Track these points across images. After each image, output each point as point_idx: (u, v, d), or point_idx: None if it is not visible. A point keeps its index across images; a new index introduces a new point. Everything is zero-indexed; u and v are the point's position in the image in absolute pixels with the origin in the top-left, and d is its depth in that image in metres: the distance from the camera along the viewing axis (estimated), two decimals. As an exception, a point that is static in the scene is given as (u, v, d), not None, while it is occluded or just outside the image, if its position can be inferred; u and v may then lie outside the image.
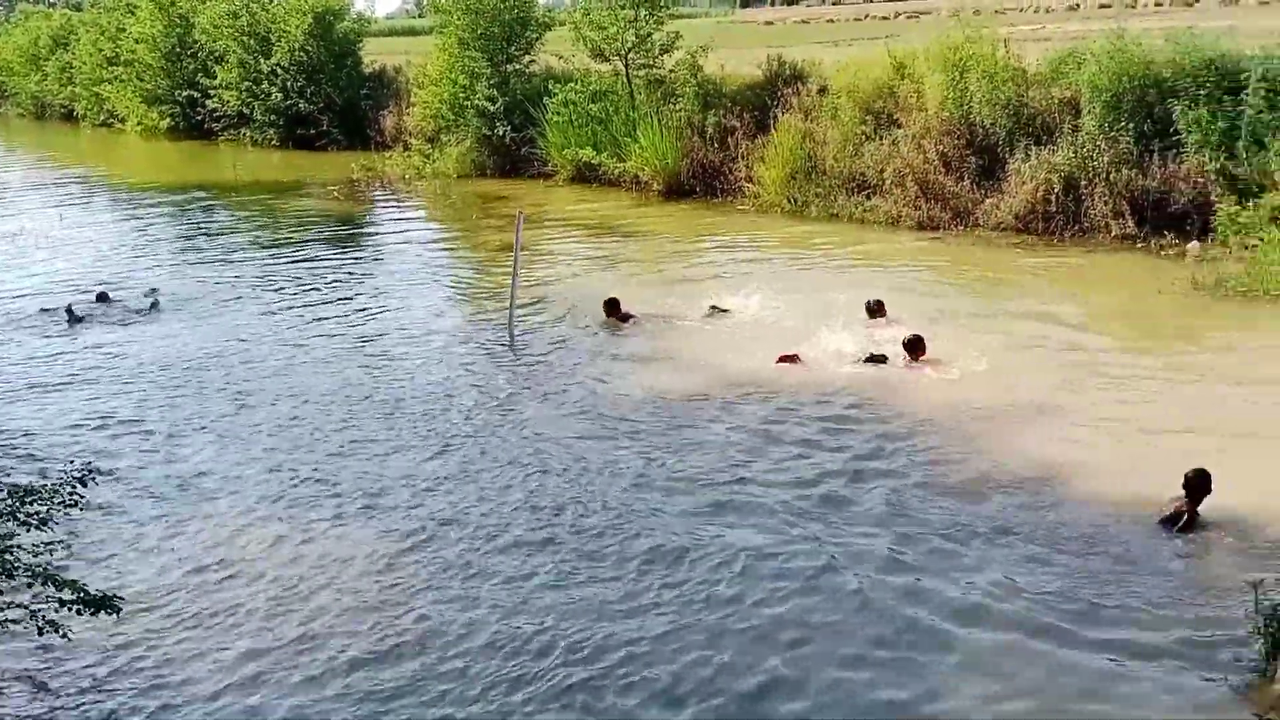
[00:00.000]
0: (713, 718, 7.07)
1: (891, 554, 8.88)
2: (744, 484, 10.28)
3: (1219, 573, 8.41)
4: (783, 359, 13.25)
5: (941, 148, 20.65)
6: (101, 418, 12.57)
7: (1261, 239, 16.12)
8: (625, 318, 15.31)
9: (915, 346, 12.99)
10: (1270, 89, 17.68)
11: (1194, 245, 17.60)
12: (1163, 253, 17.73)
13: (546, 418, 12.17)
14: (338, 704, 7.32)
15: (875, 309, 14.55)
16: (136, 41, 41.02)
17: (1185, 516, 9.04)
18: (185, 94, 39.36)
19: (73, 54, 49.92)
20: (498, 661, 7.67)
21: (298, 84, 34.81)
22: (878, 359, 13.02)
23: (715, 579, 8.63)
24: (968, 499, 9.78)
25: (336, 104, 34.85)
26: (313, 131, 34.90)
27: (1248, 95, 17.72)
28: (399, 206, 27.11)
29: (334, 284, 18.55)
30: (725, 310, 15.43)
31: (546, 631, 7.98)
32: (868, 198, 21.50)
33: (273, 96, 35.08)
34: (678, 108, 25.18)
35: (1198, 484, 9.11)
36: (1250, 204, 17.04)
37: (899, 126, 21.64)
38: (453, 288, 18.68)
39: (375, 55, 36.75)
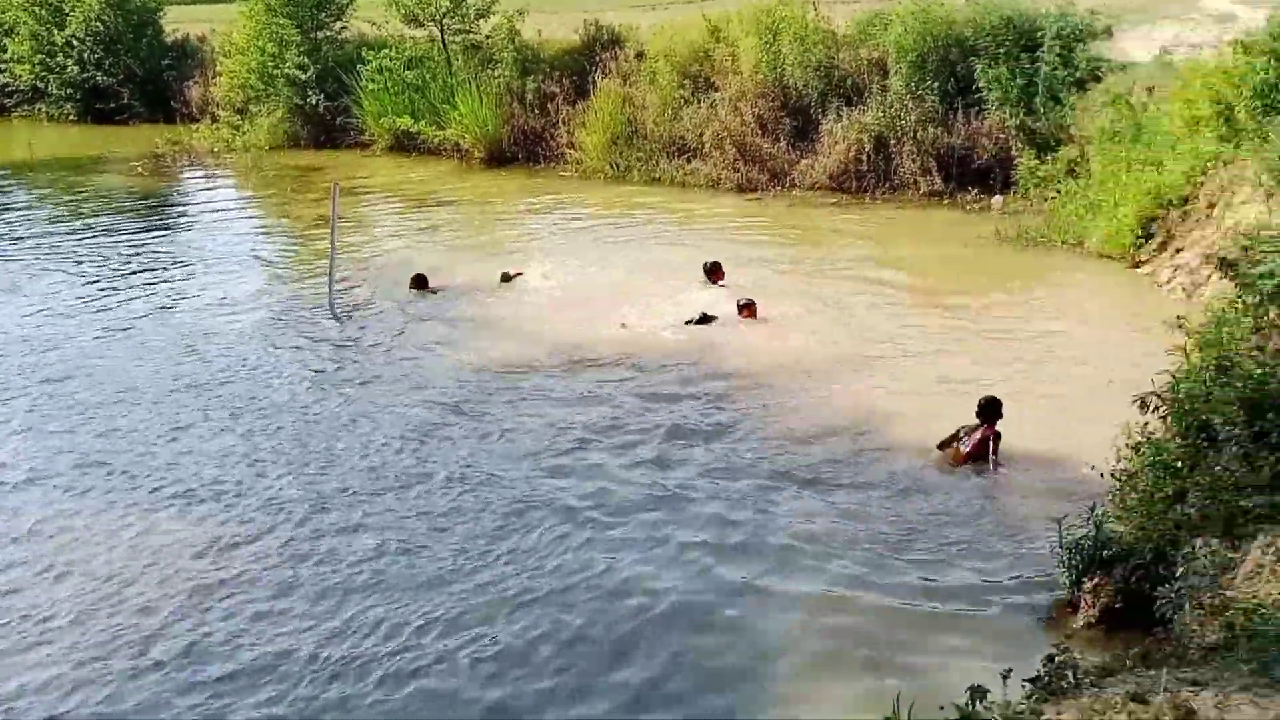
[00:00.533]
0: (569, 683, 7.10)
1: (718, 514, 9.06)
2: (577, 449, 10.30)
3: (1023, 512, 8.82)
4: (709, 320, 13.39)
5: (757, 110, 20.98)
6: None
7: (1059, 191, 16.92)
8: (428, 288, 15.25)
9: (745, 307, 13.28)
10: (1064, 46, 18.52)
11: (997, 199, 18.37)
12: (969, 207, 18.46)
13: (372, 392, 11.93)
14: (158, 699, 7.08)
15: (712, 270, 14.69)
16: (-83, 12, 38.43)
17: (990, 440, 9.63)
18: (-29, 69, 37.04)
19: None
20: (341, 647, 7.50)
21: (95, 55, 32.96)
22: (707, 319, 13.23)
23: (560, 548, 8.66)
24: (789, 451, 10.06)
25: (137, 75, 33.21)
26: (113, 105, 33.14)
27: (1043, 53, 18.51)
28: (209, 180, 26.07)
29: (144, 263, 17.73)
30: (516, 276, 15.50)
31: (395, 611, 7.86)
32: (688, 161, 21.71)
33: (69, 69, 33.19)
34: (496, 74, 24.85)
35: (989, 408, 9.77)
36: (1048, 157, 17.84)
37: (716, 90, 21.88)
38: (270, 263, 18.07)
39: (177, 24, 35.09)
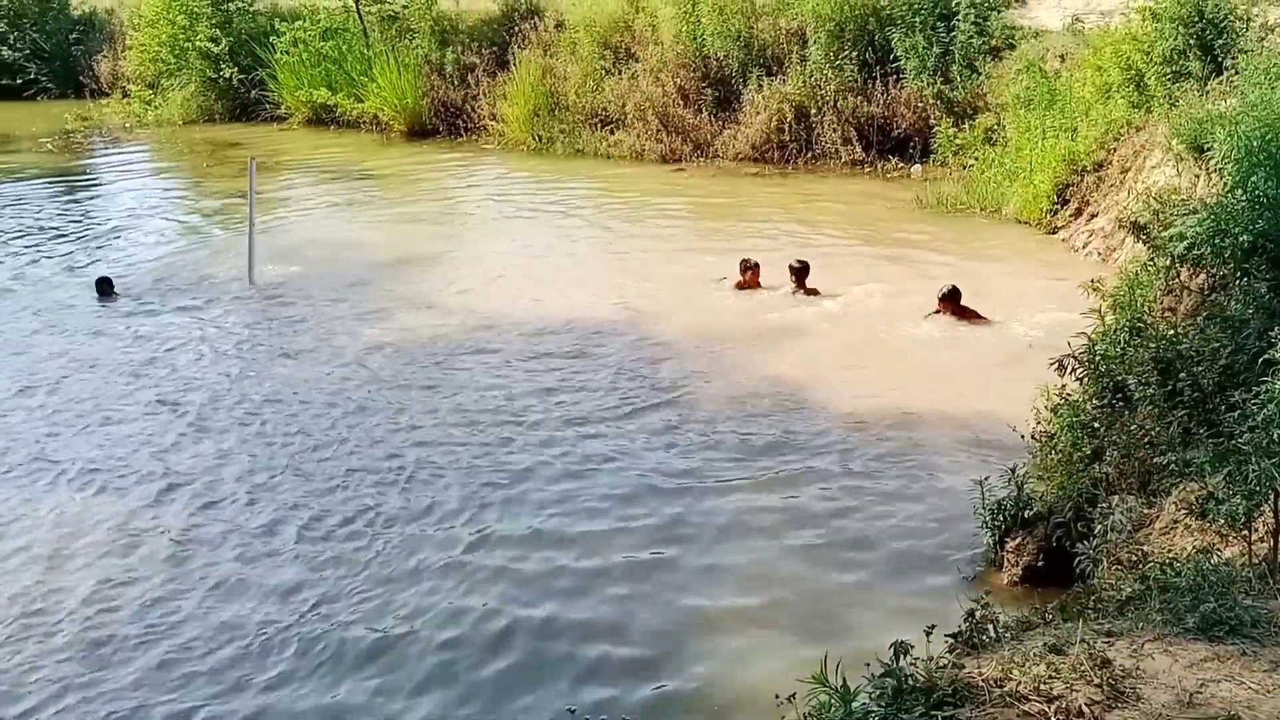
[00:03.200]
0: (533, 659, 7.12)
1: (649, 484, 9.12)
2: (515, 420, 10.30)
3: (946, 474, 8.96)
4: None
5: (679, 80, 20.95)
6: None
7: (976, 158, 17.15)
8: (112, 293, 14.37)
9: (751, 270, 13.28)
10: (979, 14, 18.72)
11: (917, 168, 18.59)
12: (889, 176, 18.65)
13: (298, 370, 11.76)
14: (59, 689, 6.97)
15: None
16: None
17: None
18: None
19: None
20: (280, 634, 7.43)
21: (-1, 30, 32.15)
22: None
23: (516, 512, 8.68)
24: (725, 420, 10.11)
25: (44, 50, 32.33)
26: (19, 81, 32.21)
27: (959, 21, 18.70)
28: (122, 157, 25.38)
29: (55, 242, 17.29)
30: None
31: (338, 593, 7.78)
32: (611, 132, 21.63)
33: (-31, 45, 32.31)
34: (414, 45, 24.54)
35: (952, 294, 11.80)
36: (965, 125, 18.07)
37: (637, 61, 21.80)
38: (185, 239, 17.71)
39: (84, -2, 34.31)
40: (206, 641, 7.23)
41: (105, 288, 14.25)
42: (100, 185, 22.63)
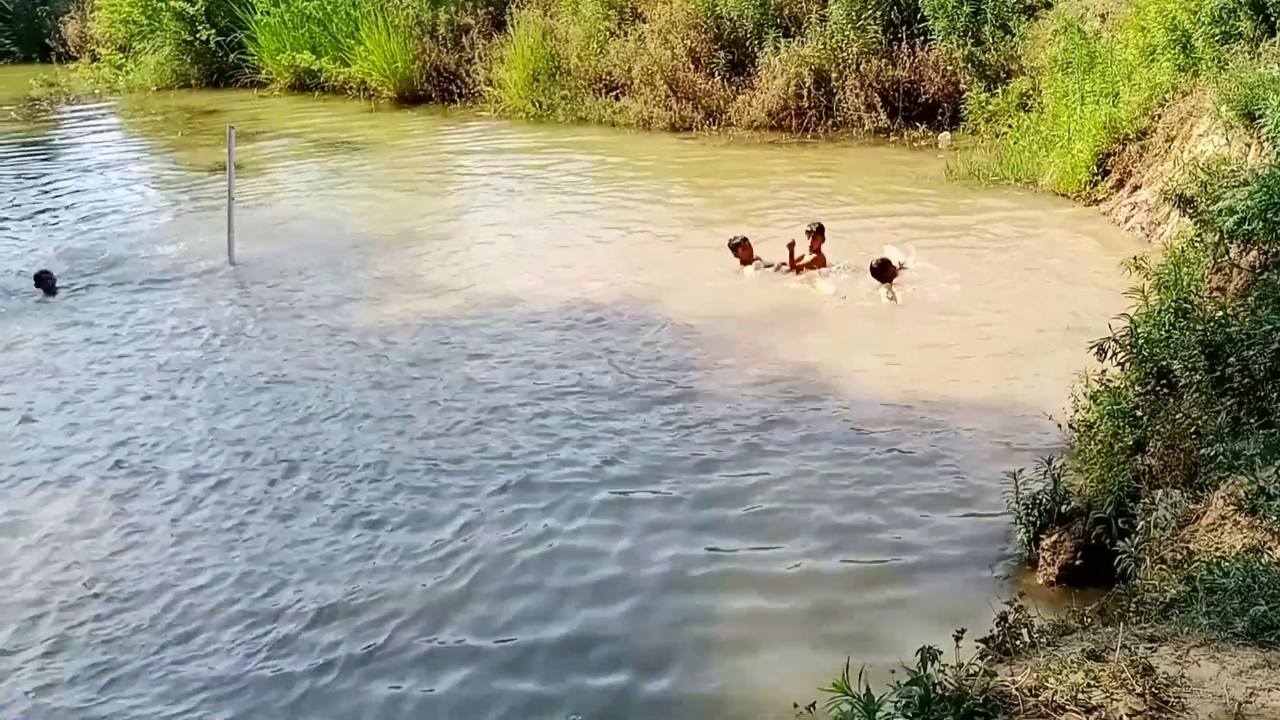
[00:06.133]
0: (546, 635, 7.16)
1: (658, 466, 9.15)
2: (509, 403, 10.37)
3: (978, 467, 8.94)
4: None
5: (689, 43, 20.88)
6: None
7: (1010, 126, 17.08)
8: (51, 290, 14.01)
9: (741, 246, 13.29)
10: (1014, -30, 18.63)
11: (945, 136, 18.54)
12: (916, 145, 18.58)
13: (282, 350, 11.83)
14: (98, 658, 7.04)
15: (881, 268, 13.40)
16: None
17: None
18: None
19: None
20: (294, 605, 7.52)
21: (-42, -7, 32.27)
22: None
23: (514, 501, 8.70)
24: (745, 404, 10.14)
25: (6, 11, 32.40)
26: (-17, 45, 32.45)
27: (992, -23, 18.62)
28: (92, 125, 25.47)
29: (25, 218, 17.35)
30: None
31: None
32: (616, 99, 21.59)
33: (-70, 9, 32.43)
34: (404, 4, 24.51)
35: (879, 267, 12.34)
36: (998, 90, 18.00)
37: (644, 21, 21.73)
38: (160, 214, 17.76)
39: (49, -42, 34.31)
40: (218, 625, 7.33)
41: (47, 283, 13.72)
42: (68, 155, 22.62)
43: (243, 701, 6.81)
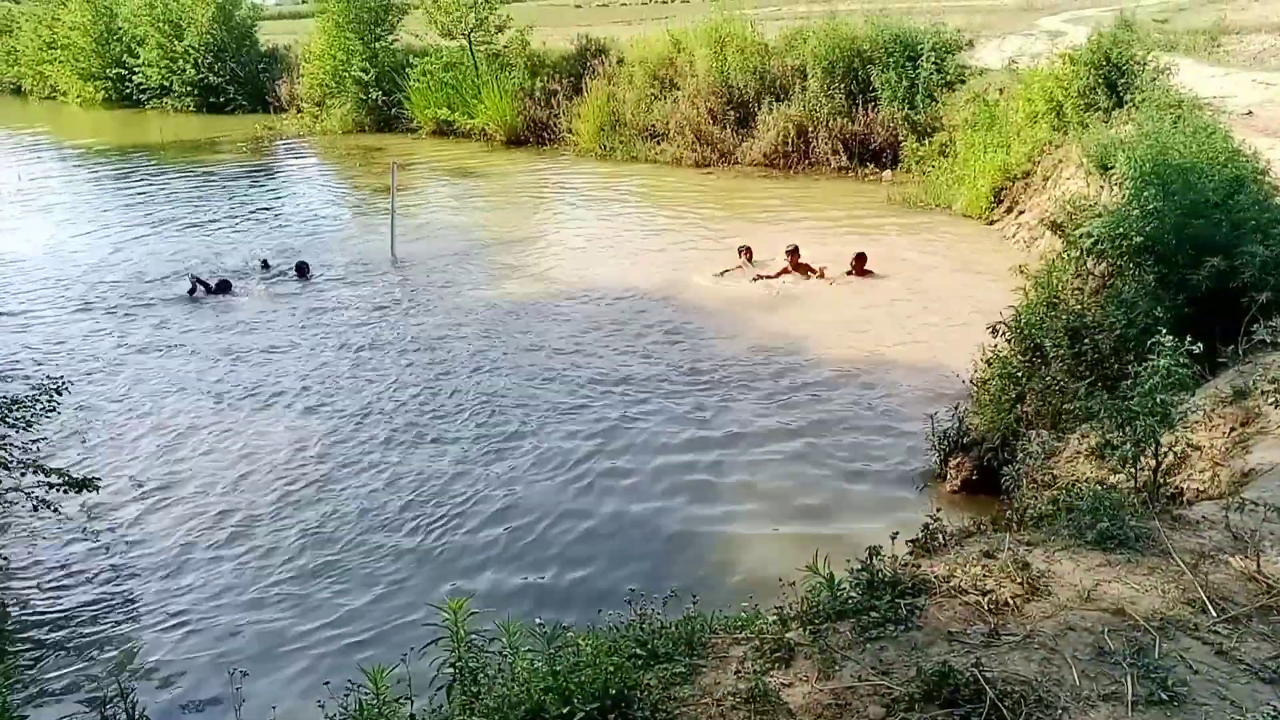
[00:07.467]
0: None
1: (663, 415, 9.15)
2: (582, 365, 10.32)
3: (906, 410, 8.93)
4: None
5: (709, 104, 20.56)
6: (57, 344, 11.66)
7: (933, 166, 16.81)
8: (308, 276, 13.88)
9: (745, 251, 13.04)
10: (938, 56, 18.24)
11: (888, 173, 18.22)
12: (867, 179, 18.30)
13: (432, 322, 11.85)
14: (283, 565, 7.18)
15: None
16: (70, 29, 36.87)
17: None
18: (115, 71, 35.59)
19: (15, 40, 44.17)
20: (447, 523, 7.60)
21: (207, 60, 31.94)
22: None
23: (592, 438, 8.75)
24: (738, 367, 10.09)
25: (240, 76, 32.26)
26: (222, 99, 32.22)
27: (922, 61, 18.24)
28: (297, 157, 25.44)
29: (246, 221, 17.44)
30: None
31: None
32: (658, 143, 21.28)
33: (187, 71, 32.15)
34: (512, 75, 24.29)
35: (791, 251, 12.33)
36: (926, 141, 17.68)
37: (678, 89, 21.41)
38: (346, 221, 17.78)
39: (269, 35, 33.95)
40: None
41: (303, 271, 13.79)
42: (280, 181, 22.62)
43: (430, 570, 6.88)
